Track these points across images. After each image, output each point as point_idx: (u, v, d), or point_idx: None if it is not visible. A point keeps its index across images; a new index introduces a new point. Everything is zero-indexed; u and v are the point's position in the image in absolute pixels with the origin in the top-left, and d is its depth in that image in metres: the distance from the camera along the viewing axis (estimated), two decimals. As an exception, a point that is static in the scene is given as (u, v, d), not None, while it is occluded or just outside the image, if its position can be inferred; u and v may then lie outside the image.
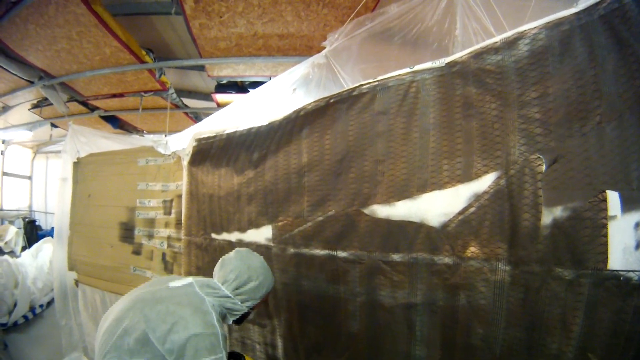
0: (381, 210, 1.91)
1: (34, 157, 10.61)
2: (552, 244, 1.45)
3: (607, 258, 1.33)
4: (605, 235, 1.34)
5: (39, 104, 5.73)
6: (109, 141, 4.24)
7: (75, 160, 4.43)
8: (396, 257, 1.86)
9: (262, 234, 2.38)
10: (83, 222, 4.24)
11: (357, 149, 1.99)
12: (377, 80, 1.94)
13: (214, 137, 2.78)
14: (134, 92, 4.76)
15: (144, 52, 3.85)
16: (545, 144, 1.46)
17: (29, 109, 6.02)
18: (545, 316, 1.46)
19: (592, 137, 1.37)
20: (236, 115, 2.76)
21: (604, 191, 1.34)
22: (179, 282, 1.77)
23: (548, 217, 1.45)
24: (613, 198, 1.33)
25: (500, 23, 1.72)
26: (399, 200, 1.84)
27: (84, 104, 5.50)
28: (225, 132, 2.69)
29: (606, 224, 1.33)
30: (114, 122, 6.12)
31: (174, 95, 4.94)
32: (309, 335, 2.26)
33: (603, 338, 1.35)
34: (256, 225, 2.36)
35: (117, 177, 3.83)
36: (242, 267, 1.77)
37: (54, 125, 6.82)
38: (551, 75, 1.44)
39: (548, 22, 1.46)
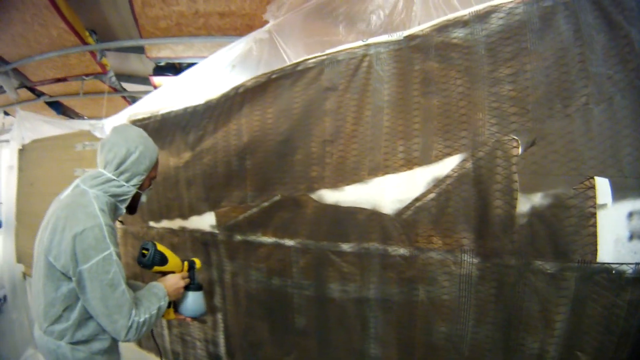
0: (329, 196, 1.48)
1: (-18, 147, 9.15)
2: (530, 234, 1.10)
3: (596, 250, 1.01)
4: (594, 226, 1.01)
5: (-17, 93, 4.77)
6: (50, 126, 3.55)
7: (20, 147, 3.66)
8: (345, 247, 1.45)
9: (206, 221, 1.88)
10: (27, 211, 3.48)
11: (303, 128, 1.53)
12: (325, 54, 1.49)
13: (149, 118, 2.18)
14: (76, 75, 4.01)
15: (87, 33, 3.21)
16: (522, 124, 1.11)
17: (-31, 99, 4.98)
18: (524, 313, 1.12)
19: (577, 119, 1.05)
20: (173, 94, 2.17)
21: (592, 178, 1.02)
22: (68, 188, 1.39)
23: (525, 204, 1.10)
24: (602, 185, 1.01)
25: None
26: (348, 184, 1.43)
27: (32, 90, 4.61)
28: (160, 113, 2.11)
29: (595, 213, 1.01)
30: (58, 107, 5.23)
31: (113, 79, 4.19)
32: (254, 330, 1.78)
33: (594, 335, 1.05)
34: (198, 212, 1.87)
35: (56, 164, 3.11)
36: (119, 141, 1.38)
37: (6, 114, 5.72)
38: (529, 51, 1.11)
39: (525, -3, 1.13)
